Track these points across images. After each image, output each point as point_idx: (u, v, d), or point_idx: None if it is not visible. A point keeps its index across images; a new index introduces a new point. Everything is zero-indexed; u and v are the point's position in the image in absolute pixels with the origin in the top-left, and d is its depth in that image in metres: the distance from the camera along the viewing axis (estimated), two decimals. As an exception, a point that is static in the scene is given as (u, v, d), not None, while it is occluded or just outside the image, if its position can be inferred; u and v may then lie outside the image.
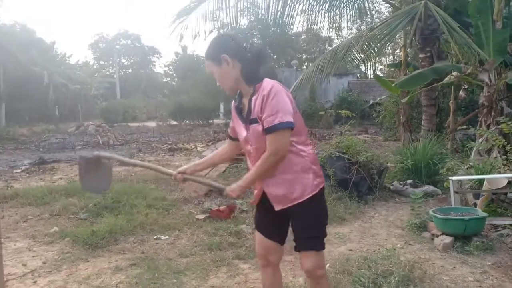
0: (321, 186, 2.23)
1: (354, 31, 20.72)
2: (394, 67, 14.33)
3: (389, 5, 11.92)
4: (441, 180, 6.17)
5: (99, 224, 4.70)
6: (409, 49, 11.29)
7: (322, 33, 31.50)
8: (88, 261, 3.84)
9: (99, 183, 2.55)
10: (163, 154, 11.82)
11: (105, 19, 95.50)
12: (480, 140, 6.26)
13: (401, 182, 6.46)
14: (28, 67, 27.70)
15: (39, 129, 20.30)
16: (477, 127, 6.68)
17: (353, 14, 10.69)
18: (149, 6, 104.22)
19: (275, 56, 31.38)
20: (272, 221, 2.34)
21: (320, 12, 10.36)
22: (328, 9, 10.32)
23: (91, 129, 20.05)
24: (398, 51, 26.62)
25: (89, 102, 34.22)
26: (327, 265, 3.30)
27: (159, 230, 4.67)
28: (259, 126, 2.11)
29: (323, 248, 2.26)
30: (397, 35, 11.33)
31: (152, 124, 25.00)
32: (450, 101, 9.57)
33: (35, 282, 3.43)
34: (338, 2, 10.27)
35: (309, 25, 11.52)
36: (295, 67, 28.02)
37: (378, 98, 15.99)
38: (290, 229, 2.40)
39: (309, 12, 10.37)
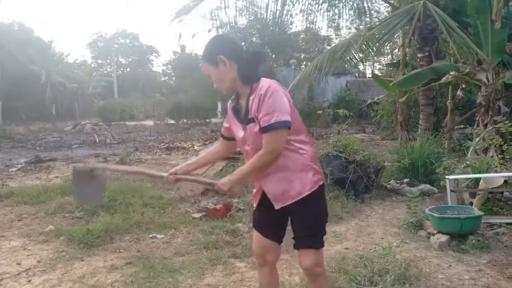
0: (321, 183, 2.22)
1: (353, 30, 20.72)
2: (393, 66, 14.33)
3: (388, 5, 11.90)
4: (438, 179, 6.18)
5: (94, 223, 4.67)
6: (407, 48, 11.30)
7: (321, 32, 31.64)
8: (83, 260, 3.82)
9: (93, 196, 2.57)
10: (160, 153, 11.79)
11: (104, 18, 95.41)
12: (477, 139, 6.27)
13: (398, 181, 6.46)
14: (26, 66, 27.66)
15: (36, 128, 20.24)
16: (475, 127, 6.68)
17: (352, 14, 10.74)
18: (147, 5, 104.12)
19: (273, 55, 31.37)
20: (271, 220, 2.33)
21: (319, 12, 10.42)
22: (327, 8, 10.35)
23: (88, 128, 20.03)
24: (396, 50, 26.58)
25: (86, 101, 34.15)
26: (324, 263, 3.30)
27: (155, 229, 4.65)
28: (256, 126, 2.10)
29: (322, 246, 2.25)
30: (396, 35, 11.34)
31: (149, 123, 24.96)
32: (448, 101, 9.57)
33: (29, 281, 3.41)
34: (337, 2, 10.29)
35: (308, 25, 11.57)
36: (293, 66, 28.07)
37: (376, 98, 15.96)
38: (287, 228, 2.39)
39: (308, 11, 10.41)
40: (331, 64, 8.41)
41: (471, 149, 6.24)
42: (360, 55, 9.14)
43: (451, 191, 4.75)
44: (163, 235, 4.47)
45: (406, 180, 6.43)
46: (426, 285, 3.13)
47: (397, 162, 6.90)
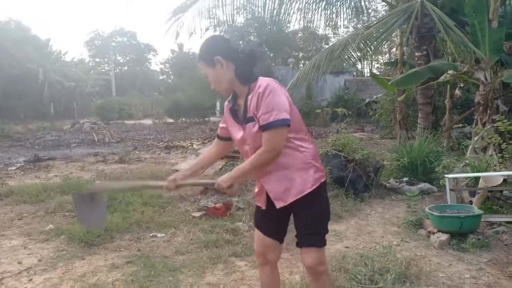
0: (322, 180, 2.22)
1: (351, 29, 20.71)
2: (391, 65, 14.35)
3: (386, 4, 11.92)
4: (437, 177, 6.19)
5: (95, 222, 4.67)
6: (405, 47, 11.29)
7: (318, 31, 31.59)
8: (84, 259, 3.82)
9: (95, 221, 2.61)
10: (159, 152, 11.79)
11: (101, 16, 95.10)
12: (476, 138, 6.29)
13: (397, 180, 6.48)
14: (23, 64, 27.58)
15: (34, 127, 20.18)
16: (473, 125, 6.70)
17: (350, 13, 10.71)
18: (145, 3, 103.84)
19: (271, 54, 31.37)
20: (273, 219, 2.33)
21: (316, 10, 10.38)
22: (324, 7, 10.33)
23: (86, 127, 19.99)
24: (394, 49, 26.68)
25: (84, 100, 34.10)
26: (326, 262, 3.31)
27: (155, 228, 4.66)
28: (255, 125, 2.10)
29: (325, 244, 2.25)
30: (394, 34, 11.38)
31: (148, 121, 24.95)
32: (446, 100, 9.60)
33: (30, 280, 3.42)
34: (334, 0, 10.28)
35: (306, 23, 11.53)
36: (291, 65, 28.05)
37: (375, 96, 16.00)
38: (288, 226, 2.40)
39: (306, 10, 10.38)
40: (329, 63, 8.43)
41: (470, 148, 6.26)
42: (358, 53, 9.17)
43: (451, 190, 4.77)
44: (163, 234, 4.48)
45: (405, 179, 6.45)
46: (426, 284, 3.14)
47: (396, 161, 6.91)
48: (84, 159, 10.43)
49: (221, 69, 2.15)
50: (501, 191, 4.84)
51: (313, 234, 2.21)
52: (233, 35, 26.74)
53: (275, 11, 10.14)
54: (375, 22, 8.63)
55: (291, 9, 10.06)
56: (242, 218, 4.86)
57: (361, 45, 8.56)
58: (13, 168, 9.11)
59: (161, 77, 51.82)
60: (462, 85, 9.35)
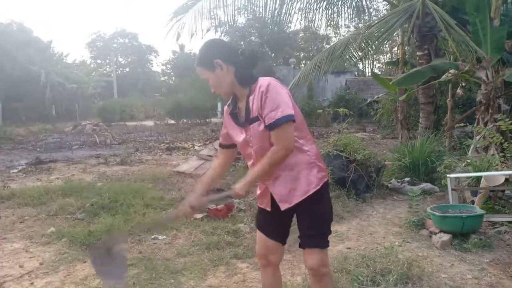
0: (326, 179, 2.22)
1: (352, 29, 20.70)
2: (392, 65, 14.36)
3: (387, 3, 11.92)
4: (439, 177, 6.17)
5: (96, 224, 4.67)
6: (406, 47, 11.29)
7: (319, 31, 31.57)
8: (85, 262, 3.81)
9: (116, 271, 2.46)
10: (160, 153, 11.79)
11: (102, 17, 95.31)
12: (477, 137, 6.27)
13: (399, 180, 6.47)
14: (25, 66, 27.63)
15: (36, 129, 20.22)
16: (475, 125, 6.68)
17: (351, 12, 10.70)
18: (146, 4, 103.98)
19: (273, 55, 31.37)
20: (276, 220, 2.33)
21: (317, 10, 10.38)
22: (325, 7, 10.32)
23: (88, 129, 20.01)
24: (395, 49, 26.61)
25: (86, 101, 34.13)
26: (329, 263, 3.30)
27: (156, 230, 4.65)
28: (261, 124, 2.09)
29: (328, 245, 2.24)
30: (395, 33, 11.36)
31: (149, 123, 24.95)
32: (448, 99, 9.58)
33: (32, 283, 3.41)
34: (335, 0, 10.27)
35: (307, 23, 11.53)
36: (293, 65, 28.06)
37: (376, 96, 15.97)
38: (290, 228, 2.39)
39: (307, 10, 10.38)
40: (330, 62, 8.42)
41: (471, 147, 6.24)
42: (359, 53, 9.15)
43: (453, 189, 4.75)
44: (164, 236, 4.47)
45: (407, 179, 6.43)
46: (428, 285, 3.13)
47: (398, 161, 6.90)
48: (85, 161, 10.44)
49: (221, 72, 2.14)
50: (503, 191, 4.82)
51: (316, 235, 2.20)
52: (234, 36, 26.76)
53: (276, 11, 10.14)
54: (376, 22, 8.62)
55: (292, 9, 10.06)
56: (244, 219, 4.85)
57: (363, 44, 8.54)
58: (15, 170, 9.12)
59: (162, 78, 51.81)
60: (463, 84, 9.35)
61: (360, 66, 33.71)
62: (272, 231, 2.36)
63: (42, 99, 28.96)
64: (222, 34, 26.11)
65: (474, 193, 4.91)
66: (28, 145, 14.69)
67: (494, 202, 4.79)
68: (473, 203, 4.69)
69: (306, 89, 22.49)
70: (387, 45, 27.35)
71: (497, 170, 5.04)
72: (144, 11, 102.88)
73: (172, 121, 23.96)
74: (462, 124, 8.68)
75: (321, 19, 10.65)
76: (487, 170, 5.02)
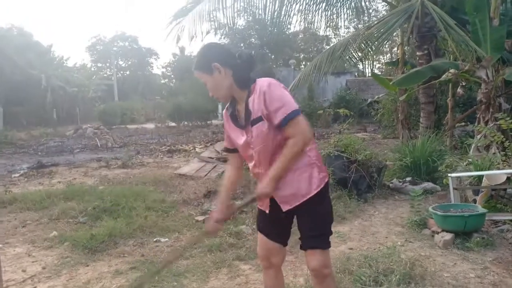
0: (326, 180, 2.23)
1: (352, 29, 20.71)
2: (392, 65, 14.35)
3: (386, 3, 11.92)
4: (440, 177, 6.17)
5: (98, 228, 4.67)
6: (406, 47, 11.28)
7: (319, 32, 31.56)
8: (88, 265, 3.82)
9: None
10: (161, 156, 11.81)
11: (102, 21, 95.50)
12: (478, 136, 6.26)
13: (400, 180, 6.46)
14: (26, 71, 27.71)
15: (37, 133, 20.25)
16: (476, 124, 6.68)
17: (350, 13, 10.72)
18: (146, 7, 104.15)
19: (272, 56, 31.39)
20: (276, 222, 2.32)
21: (317, 12, 10.39)
22: (325, 8, 10.34)
23: (89, 132, 20.04)
24: (395, 49, 26.62)
25: (87, 105, 34.21)
26: (331, 264, 3.30)
27: (158, 233, 4.65)
28: (265, 124, 2.09)
29: (329, 246, 2.24)
30: (394, 33, 11.37)
31: (150, 125, 24.98)
32: (448, 98, 9.58)
33: (35, 287, 3.42)
34: (335, 1, 10.28)
35: (306, 25, 11.53)
36: (293, 67, 28.08)
37: (376, 96, 15.97)
38: (292, 229, 2.39)
39: (306, 11, 10.39)
40: (330, 63, 8.42)
41: (473, 147, 6.23)
42: (359, 54, 9.15)
43: (454, 189, 4.75)
44: (167, 239, 4.48)
45: (408, 178, 6.43)
46: (431, 284, 3.13)
47: (399, 160, 6.89)
48: (87, 164, 10.45)
49: (219, 75, 2.14)
50: (505, 189, 4.81)
51: (317, 236, 2.20)
52: (234, 38, 26.80)
53: (275, 13, 10.15)
54: (375, 22, 8.62)
55: (291, 11, 10.07)
56: (246, 221, 4.85)
57: (362, 45, 8.55)
58: (17, 175, 9.14)
59: (163, 81, 51.95)
60: (464, 84, 9.32)
61: (360, 66, 33.76)
62: (272, 232, 2.36)
63: (43, 103, 29.04)
64: (222, 37, 26.17)
65: (476, 192, 4.90)
66: (29, 149, 14.71)
67: (496, 200, 4.78)
68: (475, 202, 4.68)
69: (307, 90, 22.49)
70: (386, 46, 27.38)
71: (498, 169, 5.03)
72: (144, 14, 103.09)
73: (173, 124, 23.99)
74: (463, 123, 8.70)
75: (321, 20, 10.67)
76: (489, 169, 5.01)
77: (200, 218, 5.07)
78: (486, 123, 6.42)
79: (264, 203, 2.32)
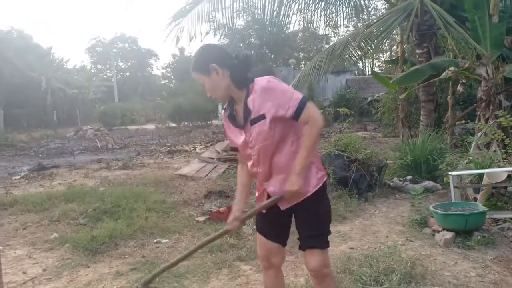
0: (324, 179, 2.23)
1: (351, 28, 20.70)
2: (392, 63, 14.32)
3: (385, 2, 11.91)
4: (441, 175, 6.16)
5: (99, 229, 4.67)
6: (406, 45, 11.27)
7: (318, 31, 31.54)
8: (88, 267, 3.82)
9: None
10: (162, 157, 11.81)
11: (102, 23, 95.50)
12: (479, 134, 6.25)
13: (401, 179, 6.45)
14: (26, 73, 27.75)
15: (38, 135, 20.27)
16: (476, 122, 6.67)
17: (350, 12, 10.71)
18: (145, 8, 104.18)
19: (272, 56, 31.40)
20: (274, 222, 2.33)
21: (316, 11, 10.40)
22: (324, 7, 10.34)
23: (89, 133, 20.06)
24: (395, 47, 26.63)
25: (87, 106, 34.24)
26: (330, 264, 3.29)
27: (159, 234, 4.65)
28: (266, 122, 2.09)
29: (328, 246, 2.24)
30: (394, 32, 11.35)
31: (151, 126, 25.00)
32: (448, 96, 9.56)
33: (35, 289, 3.42)
34: (334, 0, 10.28)
35: (306, 24, 11.53)
36: (292, 66, 28.06)
37: (376, 95, 15.99)
38: (291, 229, 2.38)
39: (305, 11, 10.40)
40: (330, 62, 8.42)
41: (473, 144, 6.22)
42: (359, 52, 9.16)
43: (455, 187, 4.74)
44: (167, 240, 4.47)
45: (409, 177, 6.42)
46: (432, 284, 3.12)
47: (400, 159, 6.88)
48: (87, 166, 10.45)
49: (216, 76, 2.14)
50: (506, 187, 4.80)
51: (316, 236, 2.20)
52: (234, 38, 26.80)
53: (274, 13, 10.16)
54: (375, 21, 8.62)
55: (290, 10, 10.08)
56: (246, 221, 4.84)
57: (362, 44, 8.55)
58: (17, 177, 9.14)
59: (162, 82, 51.97)
60: (464, 81, 9.31)
61: (360, 65, 33.76)
62: (271, 232, 2.36)
63: (43, 105, 29.07)
64: (221, 37, 26.20)
65: (477, 190, 4.89)
66: (30, 151, 14.73)
67: (497, 199, 4.77)
68: (475, 200, 4.67)
69: (307, 90, 22.45)
70: (386, 44, 27.37)
71: (499, 166, 5.01)
72: (143, 15, 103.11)
73: (173, 124, 24.00)
74: (463, 121, 8.67)
75: (320, 20, 10.68)
76: (489, 166, 5.00)
77: (201, 218, 5.06)
78: (487, 120, 6.41)
79: (260, 200, 2.32)
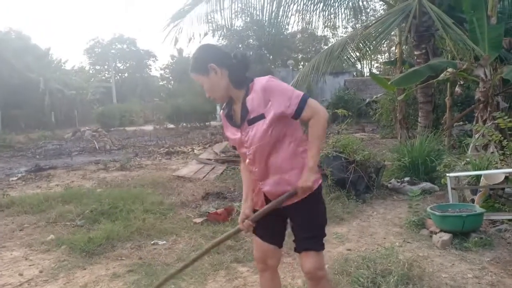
0: (320, 181, 2.22)
1: (350, 29, 20.73)
2: (390, 64, 14.36)
3: (384, 3, 11.93)
4: (439, 176, 6.16)
5: (96, 231, 4.66)
6: (404, 46, 11.29)
7: (317, 32, 31.61)
8: (85, 269, 3.80)
9: None
10: (160, 158, 11.79)
11: (100, 23, 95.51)
12: (476, 135, 6.25)
13: (398, 180, 6.45)
14: (24, 74, 27.73)
15: (36, 136, 20.23)
16: (474, 123, 6.68)
17: (348, 13, 10.74)
18: (144, 10, 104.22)
19: (271, 57, 31.44)
20: (269, 224, 2.32)
21: (314, 12, 10.41)
22: (322, 8, 10.35)
23: (87, 135, 20.02)
24: (393, 48, 26.66)
25: (85, 107, 34.25)
26: (325, 266, 3.28)
27: (156, 235, 4.63)
28: (265, 121, 2.08)
29: (323, 248, 2.24)
30: (392, 33, 11.36)
31: (149, 127, 25.00)
32: (446, 97, 9.57)
33: (32, 291, 3.40)
34: (332, 1, 10.30)
35: (304, 25, 11.55)
36: (291, 67, 28.05)
37: (375, 96, 16.00)
38: (287, 231, 2.38)
39: (304, 12, 10.41)
40: (329, 63, 8.44)
41: (471, 146, 6.23)
42: (357, 53, 9.18)
43: (452, 188, 4.74)
44: (164, 241, 4.46)
45: (407, 178, 6.41)
46: (429, 285, 3.11)
47: (398, 160, 6.88)
48: (85, 167, 10.43)
49: (215, 76, 2.14)
50: (503, 189, 4.81)
51: (311, 238, 2.20)
52: (232, 39, 26.81)
53: (273, 14, 10.17)
54: (373, 22, 8.64)
55: (289, 11, 10.09)
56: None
57: (360, 45, 8.57)
58: (15, 178, 9.11)
59: (161, 83, 51.95)
60: (462, 83, 9.31)
61: (358, 66, 33.65)
62: (266, 234, 2.36)
63: (41, 106, 29.05)
64: (220, 38, 26.18)
65: (474, 192, 4.89)
66: (27, 152, 14.69)
67: (494, 200, 4.77)
68: (473, 202, 4.67)
69: (305, 91, 22.34)
70: (384, 45, 27.44)
71: (496, 168, 5.02)
72: (142, 16, 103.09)
73: (172, 125, 23.99)
74: (461, 123, 8.68)
75: (318, 21, 10.70)
76: (487, 168, 5.00)
77: (198, 220, 5.05)
78: (484, 122, 6.42)
79: (258, 203, 2.31)
